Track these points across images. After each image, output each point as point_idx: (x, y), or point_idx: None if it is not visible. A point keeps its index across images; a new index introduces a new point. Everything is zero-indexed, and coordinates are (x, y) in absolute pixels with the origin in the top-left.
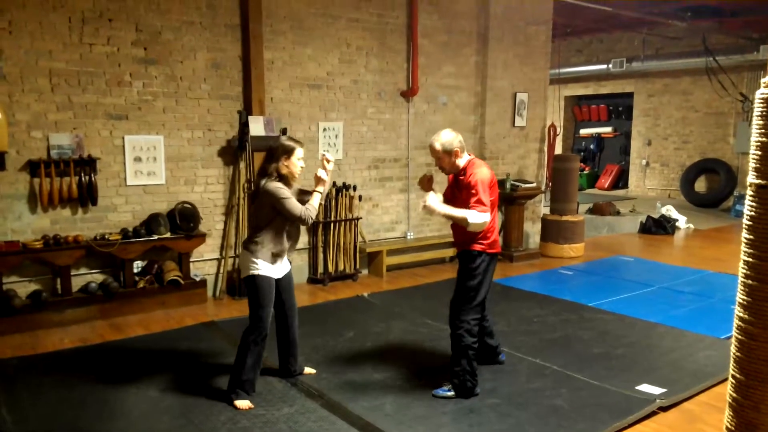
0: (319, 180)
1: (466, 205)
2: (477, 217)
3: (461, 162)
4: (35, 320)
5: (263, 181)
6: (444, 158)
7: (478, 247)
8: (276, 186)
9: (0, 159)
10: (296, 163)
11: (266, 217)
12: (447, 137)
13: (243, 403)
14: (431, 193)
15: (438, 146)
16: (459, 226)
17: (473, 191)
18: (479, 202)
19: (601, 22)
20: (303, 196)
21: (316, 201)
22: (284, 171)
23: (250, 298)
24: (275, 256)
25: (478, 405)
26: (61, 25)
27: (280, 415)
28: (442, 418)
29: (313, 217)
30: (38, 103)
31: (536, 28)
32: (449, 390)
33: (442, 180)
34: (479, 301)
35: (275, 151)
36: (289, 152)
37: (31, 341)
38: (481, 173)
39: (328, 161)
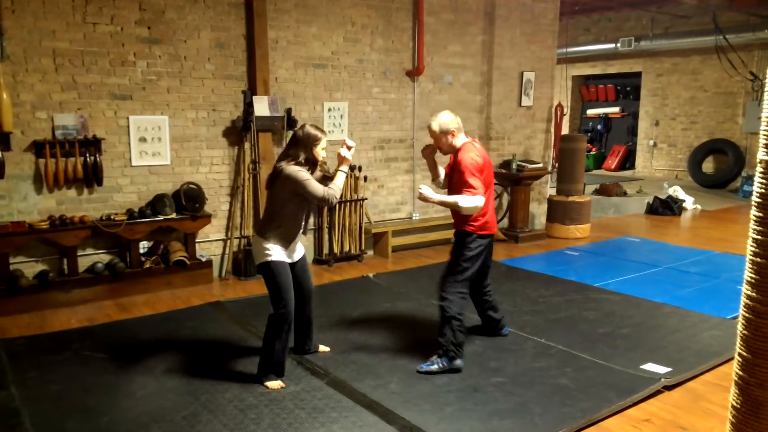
0: (342, 159)
1: (458, 187)
2: (467, 201)
3: (458, 143)
4: (42, 300)
5: (282, 164)
6: (441, 138)
7: (468, 228)
8: (296, 169)
9: (5, 139)
10: (320, 152)
11: (283, 202)
12: (444, 118)
13: (275, 383)
14: (424, 185)
15: (435, 127)
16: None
17: (463, 176)
18: (468, 186)
19: (609, 0)
20: (325, 181)
21: (340, 181)
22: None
23: (269, 285)
24: (288, 242)
25: (483, 383)
26: (65, 4)
27: (287, 393)
28: (447, 397)
29: (337, 197)
30: (42, 83)
31: (544, 6)
32: (432, 364)
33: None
34: (465, 277)
35: (306, 139)
36: (317, 141)
37: (38, 321)
38: (470, 156)
39: (349, 147)
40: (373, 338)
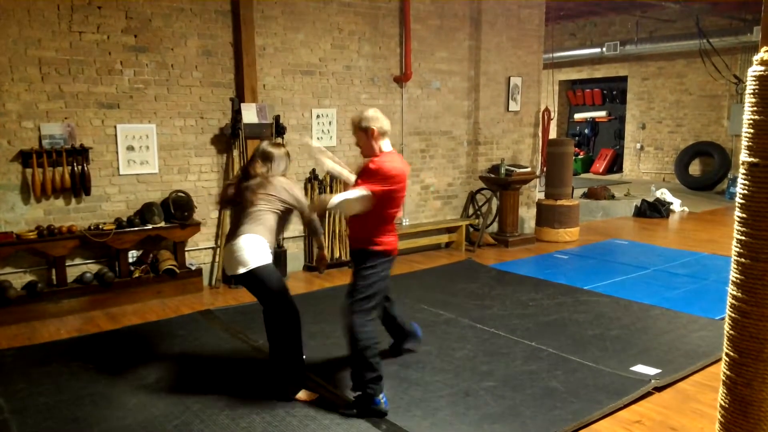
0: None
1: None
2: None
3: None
4: (31, 311)
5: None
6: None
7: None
8: None
9: None
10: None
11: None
12: (370, 113)
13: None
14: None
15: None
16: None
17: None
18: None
19: (594, 5)
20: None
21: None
22: None
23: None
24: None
25: (474, 388)
26: (50, 12)
27: (277, 401)
28: (438, 402)
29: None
30: (28, 92)
31: (529, 11)
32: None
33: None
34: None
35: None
36: None
37: (27, 332)
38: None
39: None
40: None
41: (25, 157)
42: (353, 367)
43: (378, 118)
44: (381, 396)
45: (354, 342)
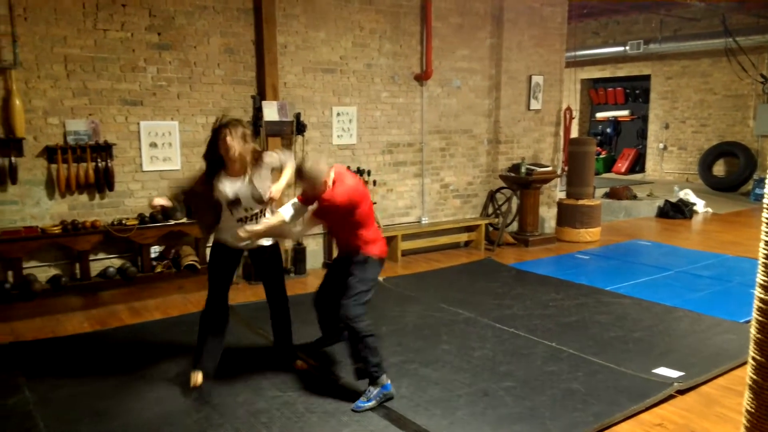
0: None
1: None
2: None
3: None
4: (55, 304)
5: None
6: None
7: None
8: None
9: (18, 145)
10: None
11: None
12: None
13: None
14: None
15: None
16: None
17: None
18: None
19: (617, 3)
20: None
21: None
22: None
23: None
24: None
25: (494, 388)
26: (76, 10)
27: (298, 398)
28: (457, 401)
29: None
30: (54, 89)
31: (552, 9)
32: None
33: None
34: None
35: None
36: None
37: (51, 325)
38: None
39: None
40: (383, 342)
41: (50, 153)
42: (357, 356)
43: (322, 169)
44: (387, 381)
45: (357, 332)
